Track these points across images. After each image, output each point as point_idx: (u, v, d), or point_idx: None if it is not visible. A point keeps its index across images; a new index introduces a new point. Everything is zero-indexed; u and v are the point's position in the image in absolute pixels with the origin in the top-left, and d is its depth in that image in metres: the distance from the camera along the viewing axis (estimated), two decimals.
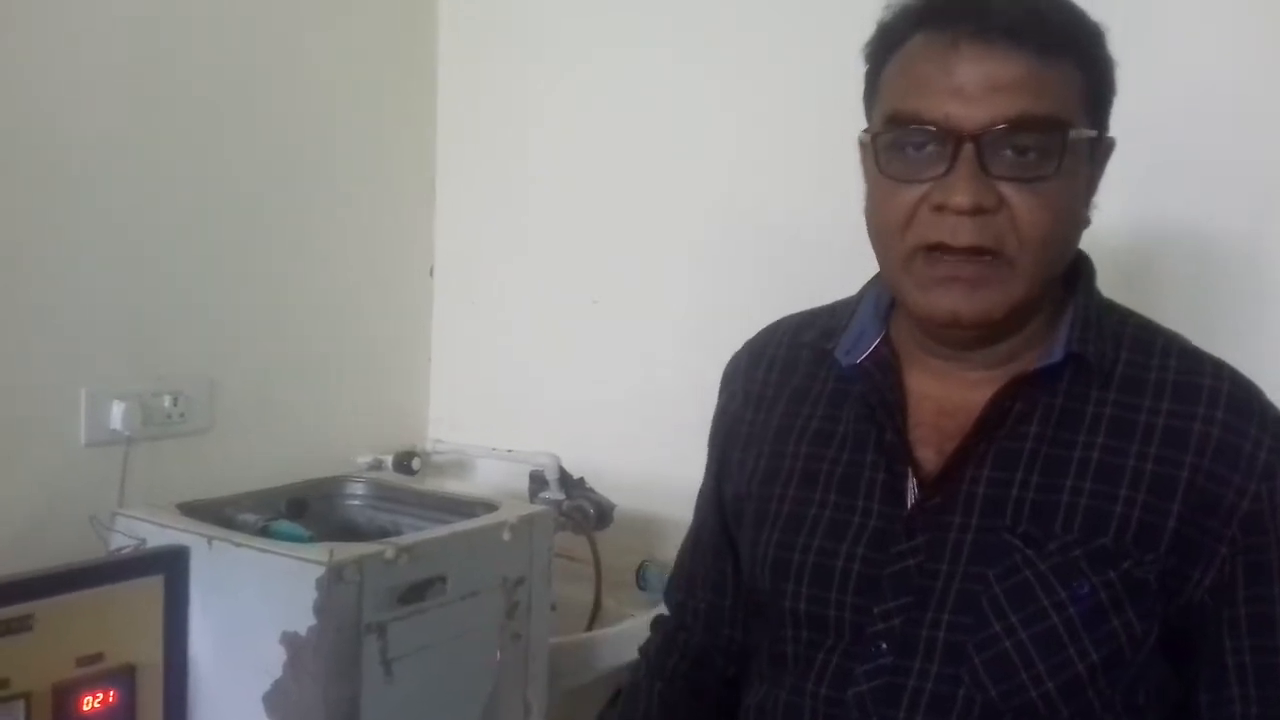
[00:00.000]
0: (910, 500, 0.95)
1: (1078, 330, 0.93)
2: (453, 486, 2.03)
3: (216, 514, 1.51)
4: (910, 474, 0.96)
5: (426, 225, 2.14)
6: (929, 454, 0.96)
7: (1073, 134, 0.87)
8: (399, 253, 2.10)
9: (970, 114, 0.85)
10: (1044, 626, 0.89)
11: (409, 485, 1.79)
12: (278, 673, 1.34)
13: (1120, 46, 0.92)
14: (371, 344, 2.05)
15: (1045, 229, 0.87)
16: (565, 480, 1.91)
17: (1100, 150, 0.93)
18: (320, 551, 1.34)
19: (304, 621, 1.32)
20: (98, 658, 1.36)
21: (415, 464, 1.97)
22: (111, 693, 1.37)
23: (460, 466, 2.09)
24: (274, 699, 1.35)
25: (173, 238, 1.73)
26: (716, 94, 1.85)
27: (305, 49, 1.90)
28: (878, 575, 0.95)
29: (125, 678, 1.38)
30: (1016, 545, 0.90)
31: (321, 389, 1.95)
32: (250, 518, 1.50)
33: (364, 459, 1.93)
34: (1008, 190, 0.86)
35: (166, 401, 1.71)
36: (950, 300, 0.89)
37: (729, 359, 1.15)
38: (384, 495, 1.71)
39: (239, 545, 1.40)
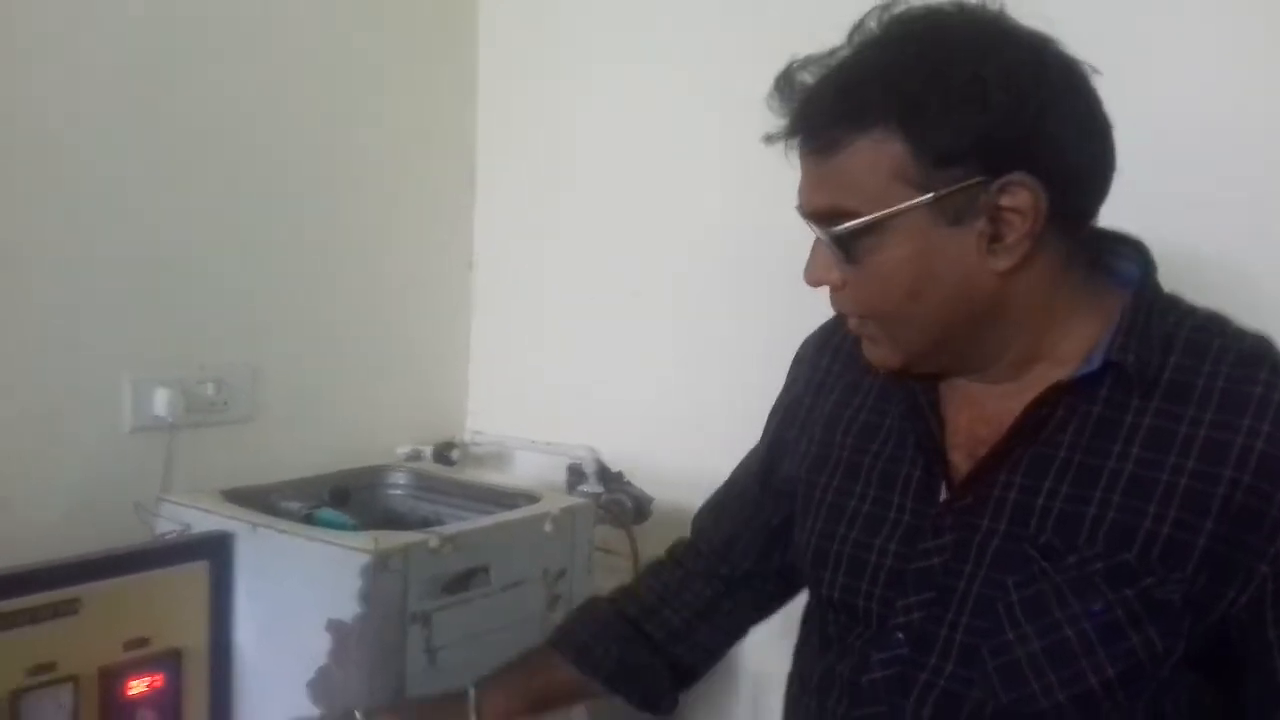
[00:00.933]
0: (941, 499, 0.96)
1: (1120, 337, 0.91)
2: (491, 478, 2.02)
3: (260, 501, 1.52)
4: (944, 474, 0.97)
5: (466, 217, 2.14)
6: (961, 457, 0.97)
7: (861, 220, 0.88)
8: (439, 245, 2.10)
9: (801, 206, 0.95)
10: (1057, 638, 0.88)
11: (450, 475, 1.79)
12: (322, 660, 1.35)
13: (1110, 61, 0.92)
14: (411, 335, 2.05)
15: (877, 300, 0.93)
16: (603, 473, 1.90)
17: (970, 203, 0.87)
18: (366, 539, 1.35)
19: (349, 609, 1.33)
20: (144, 642, 1.37)
21: (454, 455, 1.97)
22: (158, 677, 1.37)
23: (498, 458, 2.09)
24: (319, 686, 1.35)
25: (215, 229, 1.73)
26: (761, 88, 1.84)
27: (345, 42, 1.90)
28: (904, 569, 0.96)
29: (171, 662, 1.39)
30: (1035, 556, 0.90)
31: (362, 379, 1.95)
32: (294, 505, 1.51)
33: (403, 449, 1.93)
34: (844, 268, 0.93)
35: (209, 389, 1.71)
36: (866, 351, 0.99)
37: (802, 341, 1.18)
38: (425, 485, 1.71)
39: (284, 532, 1.40)
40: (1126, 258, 0.98)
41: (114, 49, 1.60)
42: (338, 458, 1.79)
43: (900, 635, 0.95)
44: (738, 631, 1.24)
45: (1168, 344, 0.92)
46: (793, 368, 1.18)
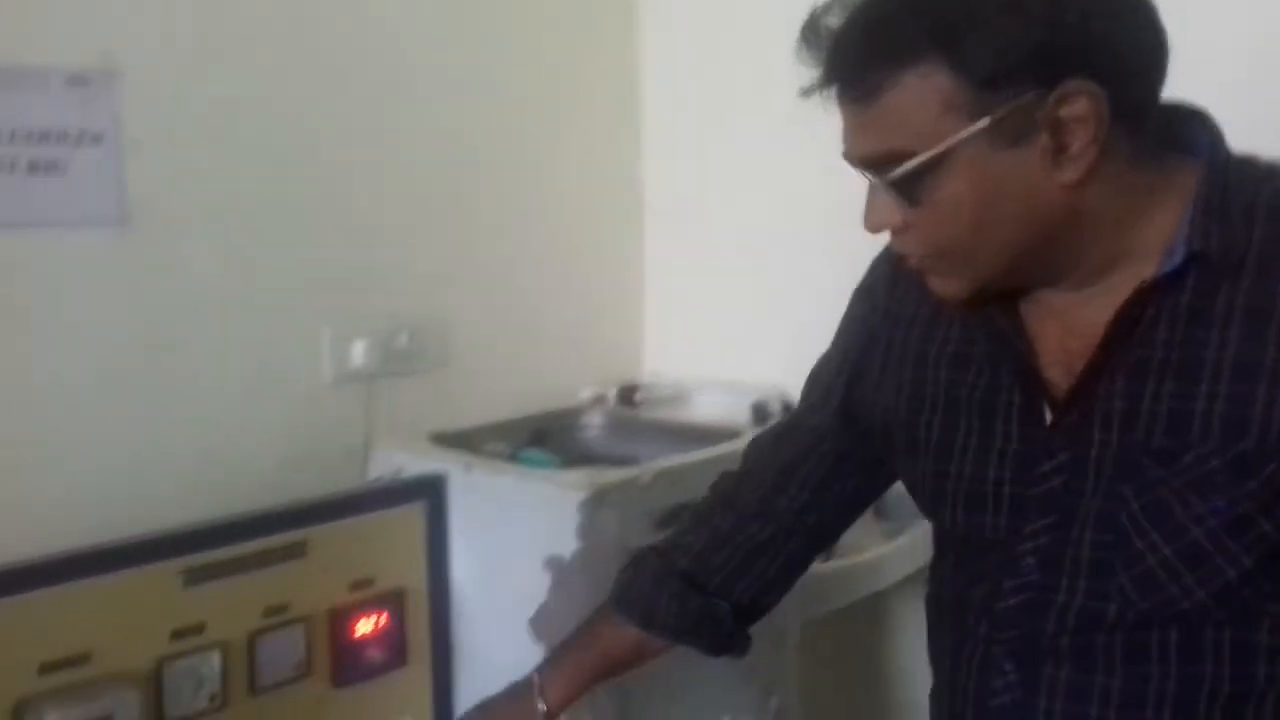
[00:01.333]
0: (1047, 421, 0.93)
1: (1199, 217, 0.86)
2: (681, 417, 2.01)
3: (464, 443, 1.54)
4: (1044, 394, 0.94)
5: (634, 159, 2.12)
6: (1058, 374, 0.93)
7: (919, 159, 0.84)
8: (610, 189, 2.09)
9: (848, 153, 0.91)
10: (1186, 541, 0.86)
11: (640, 416, 1.79)
12: (539, 596, 1.36)
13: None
14: (588, 279, 2.05)
15: (945, 236, 0.89)
16: (789, 411, 1.87)
17: (1028, 120, 0.83)
18: (580, 477, 1.35)
19: (566, 545, 1.33)
20: (368, 582, 1.40)
21: (638, 396, 1.96)
22: (382, 615, 1.41)
23: (677, 399, 2.08)
24: (539, 623, 1.36)
25: (399, 188, 1.76)
26: None
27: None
28: (1025, 495, 0.94)
29: (395, 602, 1.41)
30: (1149, 463, 0.87)
31: (543, 325, 1.95)
32: (498, 446, 1.52)
33: (587, 393, 1.93)
34: (906, 210, 0.89)
35: (404, 339, 1.74)
36: (933, 285, 0.95)
37: (873, 260, 1.13)
38: (619, 425, 1.72)
39: (496, 472, 1.41)
40: (1193, 127, 0.92)
41: (317, 34, 1.63)
42: (525, 402, 1.80)
43: (1030, 560, 0.94)
44: (796, 567, 1.19)
45: (1249, 216, 0.87)
46: (866, 293, 1.13)
